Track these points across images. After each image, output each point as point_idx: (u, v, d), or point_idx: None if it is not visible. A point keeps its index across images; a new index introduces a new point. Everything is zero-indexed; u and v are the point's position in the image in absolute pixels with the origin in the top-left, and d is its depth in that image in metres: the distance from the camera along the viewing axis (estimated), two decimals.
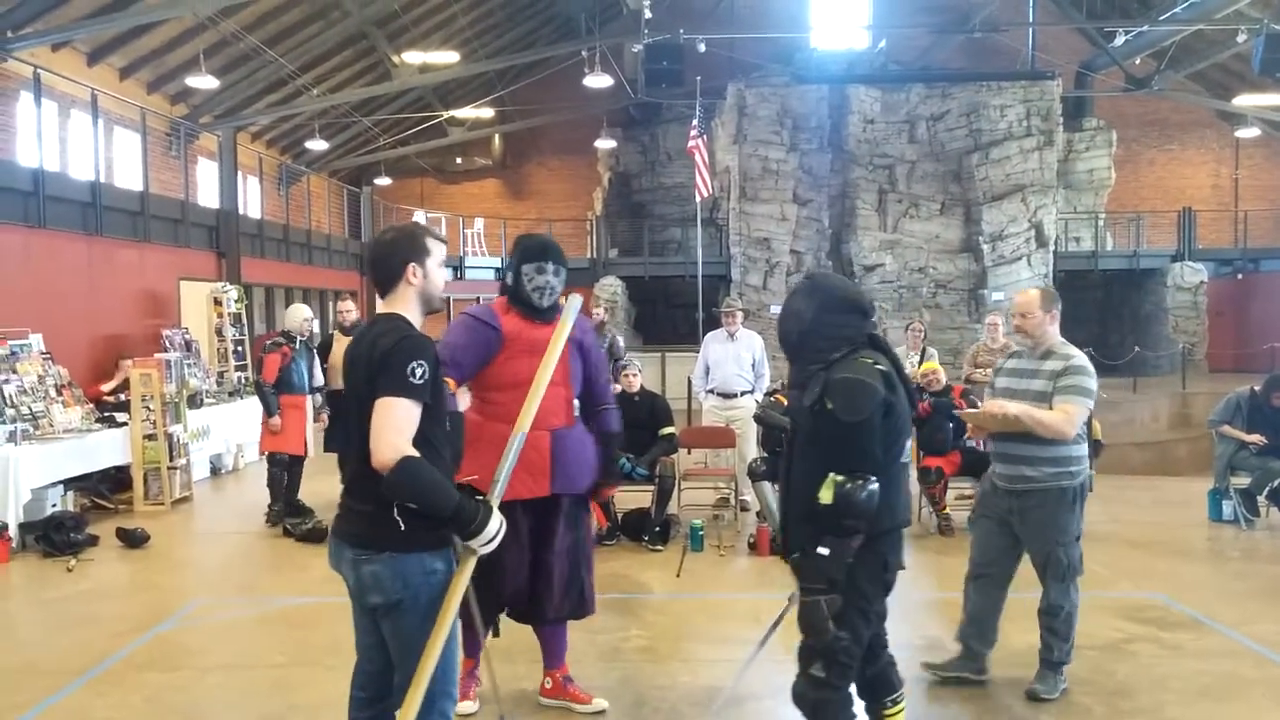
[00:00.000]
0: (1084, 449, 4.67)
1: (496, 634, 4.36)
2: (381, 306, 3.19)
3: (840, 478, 3.18)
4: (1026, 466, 4.57)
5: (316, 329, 19.09)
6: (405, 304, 3.14)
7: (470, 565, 3.11)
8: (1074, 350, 4.66)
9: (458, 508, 2.97)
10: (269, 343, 8.75)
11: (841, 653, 3.29)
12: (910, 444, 9.82)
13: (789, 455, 3.52)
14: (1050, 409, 4.48)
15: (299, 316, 9.07)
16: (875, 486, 3.18)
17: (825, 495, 3.19)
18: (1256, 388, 8.65)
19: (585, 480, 4.42)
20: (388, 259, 3.16)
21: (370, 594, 3.06)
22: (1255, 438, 8.45)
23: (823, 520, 3.22)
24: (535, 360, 4.09)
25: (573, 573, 4.36)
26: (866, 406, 3.21)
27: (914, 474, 9.51)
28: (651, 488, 7.84)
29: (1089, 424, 12.56)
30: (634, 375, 8.32)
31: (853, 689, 3.49)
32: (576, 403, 4.48)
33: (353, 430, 3.07)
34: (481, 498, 3.14)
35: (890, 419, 3.27)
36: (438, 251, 3.20)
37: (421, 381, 2.94)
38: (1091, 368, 4.61)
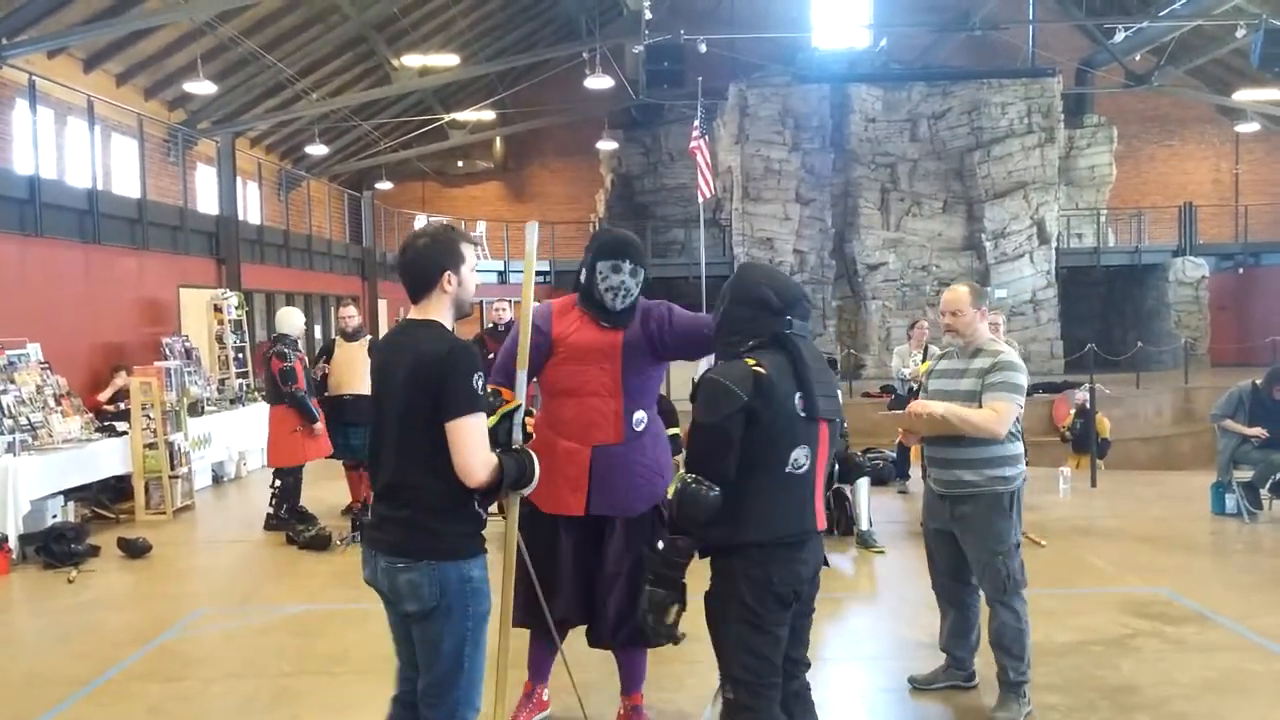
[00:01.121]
0: (1019, 449, 4.51)
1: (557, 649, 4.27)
2: (414, 312, 3.16)
3: (688, 476, 3.08)
4: (962, 470, 4.41)
5: (319, 334, 19.24)
6: (439, 311, 3.13)
7: (517, 507, 3.37)
8: (1003, 346, 4.54)
9: (518, 473, 3.14)
10: (283, 350, 8.51)
11: (744, 671, 3.14)
12: (914, 448, 9.78)
13: None
14: (980, 408, 4.34)
15: (300, 321, 9.06)
16: (715, 494, 3.03)
17: (670, 491, 3.12)
18: (1258, 381, 8.63)
19: (635, 503, 4.04)
20: (423, 266, 3.12)
21: (406, 601, 3.04)
22: (1257, 431, 8.43)
23: (670, 515, 3.17)
24: (585, 367, 3.96)
25: (633, 597, 4.04)
26: (718, 411, 3.06)
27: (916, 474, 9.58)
28: None
29: (1093, 422, 12.47)
30: None
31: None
32: (641, 415, 4.09)
33: (387, 437, 3.08)
34: (517, 449, 3.27)
35: (758, 426, 3.07)
36: (471, 256, 3.18)
37: (483, 391, 3.02)
38: (1022, 364, 4.46)
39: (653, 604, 3.18)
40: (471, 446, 2.95)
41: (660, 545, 3.17)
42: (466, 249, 3.16)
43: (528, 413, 3.58)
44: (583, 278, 4.03)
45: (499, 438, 3.29)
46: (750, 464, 3.09)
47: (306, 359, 8.78)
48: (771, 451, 3.12)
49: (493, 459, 3.01)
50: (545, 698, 4.41)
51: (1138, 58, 23.73)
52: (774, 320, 3.21)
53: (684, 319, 4.13)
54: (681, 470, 3.13)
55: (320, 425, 8.49)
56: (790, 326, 3.22)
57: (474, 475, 2.95)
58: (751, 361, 3.12)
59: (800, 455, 3.15)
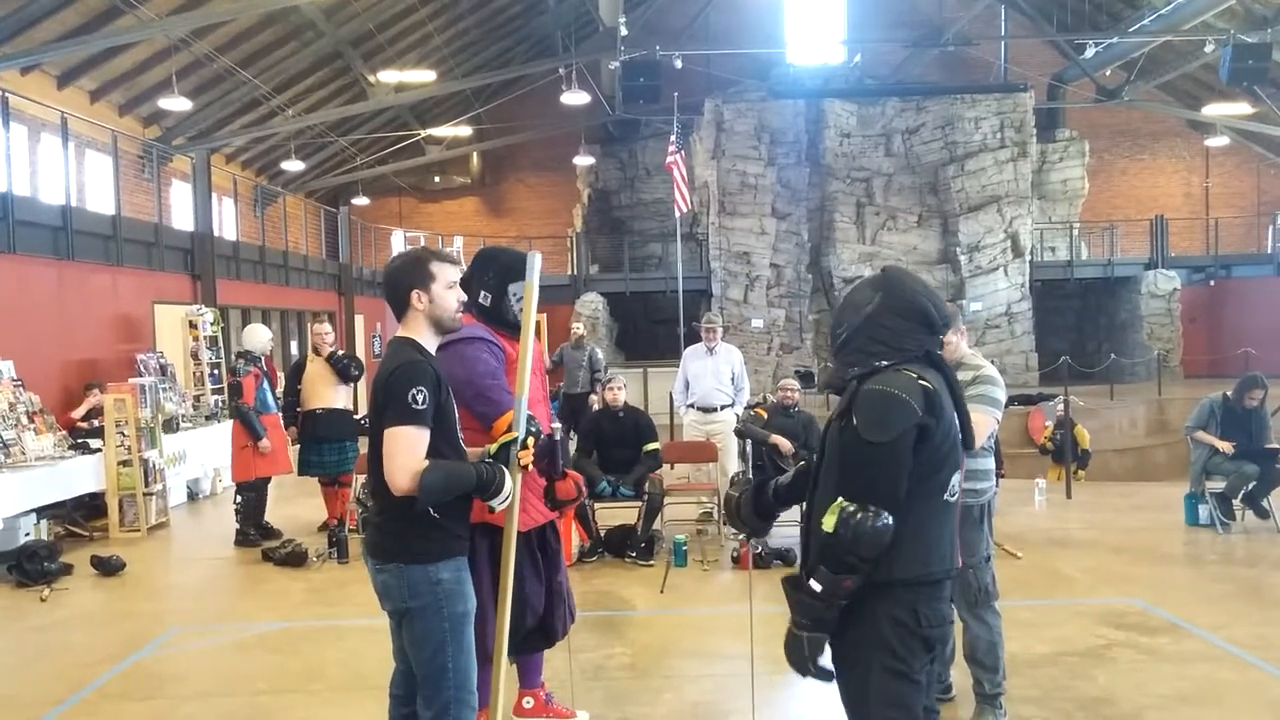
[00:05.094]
0: (990, 463, 4.53)
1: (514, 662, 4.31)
2: (398, 330, 3.34)
3: (849, 505, 2.70)
4: None
5: (294, 349, 19.13)
6: (416, 328, 3.29)
7: (515, 523, 3.46)
8: (983, 361, 4.58)
9: (478, 478, 3.20)
10: (241, 365, 8.69)
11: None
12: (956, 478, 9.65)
13: (814, 477, 3.02)
14: None
15: (265, 337, 9.08)
16: (888, 523, 2.67)
17: (829, 522, 2.72)
18: (1229, 393, 8.69)
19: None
20: (395, 287, 3.31)
21: (384, 601, 3.26)
22: (1227, 445, 8.45)
23: (824, 551, 2.75)
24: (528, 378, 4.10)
25: (566, 586, 4.38)
26: (895, 426, 2.70)
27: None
28: (637, 504, 7.82)
29: (1075, 435, 12.50)
30: (619, 389, 8.14)
31: None
32: None
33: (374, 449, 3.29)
34: (490, 461, 3.32)
35: (927, 446, 2.74)
36: (444, 274, 3.30)
37: (423, 406, 3.08)
38: (1000, 379, 4.48)
39: (811, 649, 2.81)
40: (393, 454, 3.07)
41: (817, 586, 2.76)
42: (438, 268, 3.29)
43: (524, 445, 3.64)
44: (486, 301, 4.10)
45: (502, 458, 3.37)
46: (911, 491, 2.76)
47: (277, 374, 8.77)
48: (935, 477, 2.80)
49: (416, 467, 3.05)
50: None
51: (1108, 73, 24.02)
52: (929, 339, 2.91)
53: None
54: (840, 499, 2.75)
55: (267, 442, 8.51)
56: (941, 347, 2.96)
57: (396, 482, 3.07)
58: (913, 373, 2.79)
59: (956, 481, 2.86)
